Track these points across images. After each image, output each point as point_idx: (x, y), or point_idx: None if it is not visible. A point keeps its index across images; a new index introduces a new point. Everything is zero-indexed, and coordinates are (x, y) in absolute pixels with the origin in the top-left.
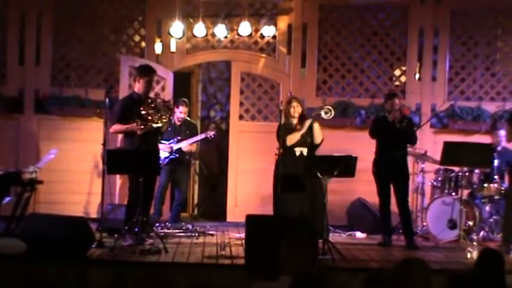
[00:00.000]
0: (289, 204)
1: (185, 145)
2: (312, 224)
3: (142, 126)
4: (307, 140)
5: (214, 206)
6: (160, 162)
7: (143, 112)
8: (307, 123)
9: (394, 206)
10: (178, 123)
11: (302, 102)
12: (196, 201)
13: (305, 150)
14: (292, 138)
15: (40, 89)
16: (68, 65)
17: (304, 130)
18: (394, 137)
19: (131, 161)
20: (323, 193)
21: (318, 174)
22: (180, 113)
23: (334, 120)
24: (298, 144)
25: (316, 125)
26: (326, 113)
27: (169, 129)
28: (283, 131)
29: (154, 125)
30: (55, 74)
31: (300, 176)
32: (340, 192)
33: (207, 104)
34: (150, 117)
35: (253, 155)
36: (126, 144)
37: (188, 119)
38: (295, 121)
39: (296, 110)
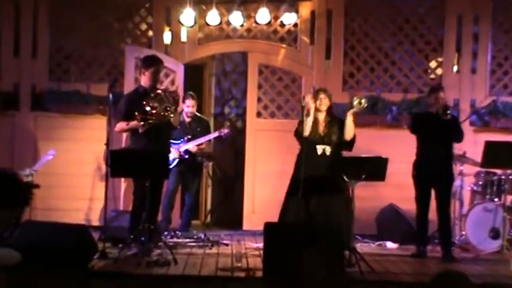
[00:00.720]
0: (294, 210)
1: (193, 146)
2: (338, 232)
3: (142, 123)
4: (332, 137)
5: (229, 213)
6: (170, 164)
7: (147, 107)
8: (349, 117)
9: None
10: (187, 119)
11: (331, 95)
12: (209, 207)
13: (328, 149)
14: (306, 126)
15: (37, 83)
16: (68, 57)
17: (322, 115)
18: (438, 132)
19: (137, 162)
20: (343, 199)
21: (344, 177)
22: (188, 107)
23: (362, 117)
24: (319, 141)
25: (349, 118)
26: (359, 103)
27: (178, 127)
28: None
29: (157, 119)
30: (53, 68)
31: (322, 179)
32: (368, 197)
33: (221, 99)
34: (154, 111)
35: (273, 156)
36: (131, 144)
37: (198, 114)
38: (321, 115)
39: (323, 102)
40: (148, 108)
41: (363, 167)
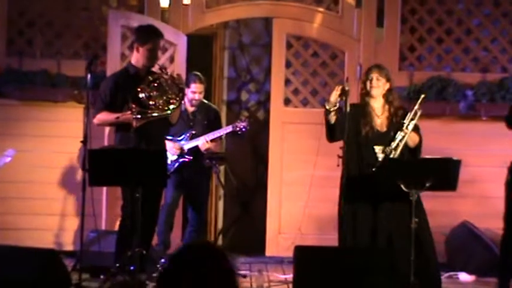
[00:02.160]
0: (358, 230)
1: (203, 142)
2: (398, 258)
3: (139, 116)
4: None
5: (247, 233)
6: (168, 168)
7: (142, 95)
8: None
9: None
10: (191, 109)
11: (389, 73)
12: (220, 226)
13: (387, 150)
14: (327, 119)
15: None
16: (31, 23)
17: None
18: None
19: (125, 166)
20: (409, 214)
21: (402, 186)
22: (193, 93)
23: (426, 105)
24: (379, 139)
25: (411, 126)
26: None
27: (178, 120)
28: (353, 117)
29: (158, 114)
30: (12, 38)
31: (379, 188)
32: (434, 213)
33: (237, 82)
34: (152, 102)
35: (305, 157)
36: (117, 142)
37: (206, 102)
38: (376, 103)
39: (377, 84)
40: (142, 96)
41: (427, 172)
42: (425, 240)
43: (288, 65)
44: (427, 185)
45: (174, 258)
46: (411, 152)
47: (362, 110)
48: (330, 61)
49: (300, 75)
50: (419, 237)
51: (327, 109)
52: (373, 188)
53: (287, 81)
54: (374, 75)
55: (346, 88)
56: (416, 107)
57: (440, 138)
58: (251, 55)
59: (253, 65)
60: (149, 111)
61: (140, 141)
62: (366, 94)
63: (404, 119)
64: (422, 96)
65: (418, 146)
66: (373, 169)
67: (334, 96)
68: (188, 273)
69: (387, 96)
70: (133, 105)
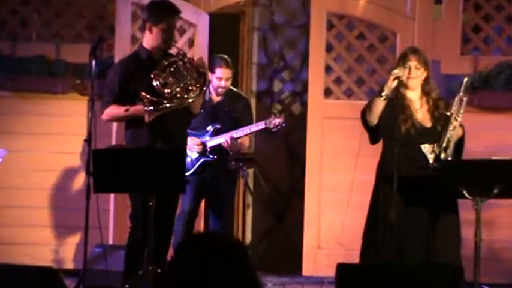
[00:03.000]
0: (405, 242)
1: (227, 140)
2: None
3: (152, 108)
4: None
5: (280, 249)
6: (187, 168)
7: (155, 82)
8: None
9: None
10: (217, 98)
11: (427, 60)
12: (249, 239)
13: (437, 149)
14: (373, 107)
15: None
16: (26, 1)
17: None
18: None
19: (136, 169)
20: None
21: (465, 193)
22: (219, 79)
23: (492, 96)
24: (424, 137)
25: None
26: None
27: (201, 110)
28: (388, 113)
29: (175, 104)
30: (4, 18)
31: (432, 199)
32: (501, 225)
33: (268, 69)
34: (167, 90)
35: (349, 159)
36: (128, 140)
37: (235, 90)
38: (413, 95)
39: (415, 74)
40: (156, 84)
41: (495, 176)
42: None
43: (329, 49)
44: (495, 191)
45: (173, 260)
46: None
47: (397, 102)
48: (378, 44)
49: (343, 61)
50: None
51: (381, 95)
52: (425, 195)
53: (328, 69)
54: (412, 63)
55: (400, 73)
56: (461, 93)
57: (508, 135)
58: (285, 37)
59: (287, 49)
60: (164, 102)
61: (155, 139)
62: (400, 85)
63: (447, 110)
64: (466, 79)
65: (462, 141)
66: (430, 171)
67: (392, 81)
68: (192, 277)
69: (424, 87)
70: (144, 95)
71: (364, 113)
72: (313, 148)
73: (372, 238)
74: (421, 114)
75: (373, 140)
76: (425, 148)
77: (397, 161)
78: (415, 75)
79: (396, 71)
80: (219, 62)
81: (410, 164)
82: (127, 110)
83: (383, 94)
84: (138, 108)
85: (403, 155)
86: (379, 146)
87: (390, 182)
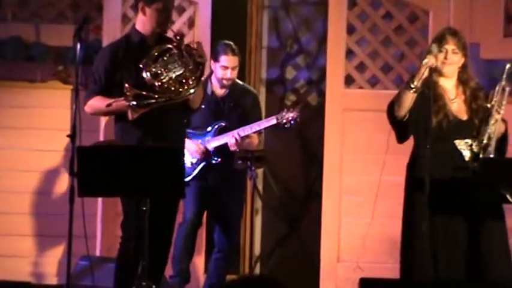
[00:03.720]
0: (441, 255)
1: (231, 139)
2: None
3: (134, 103)
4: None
5: (294, 261)
6: (186, 173)
7: (145, 74)
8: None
9: None
10: (221, 92)
11: (467, 44)
12: (258, 251)
13: (476, 146)
14: (403, 100)
15: None
16: None
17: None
18: None
19: (127, 169)
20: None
21: (509, 196)
22: (224, 68)
23: None
24: (457, 131)
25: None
26: None
27: (202, 106)
28: (419, 104)
29: (165, 100)
30: None
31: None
32: None
33: (280, 54)
34: (158, 83)
35: (374, 157)
36: (117, 137)
37: (241, 83)
38: (448, 83)
39: (452, 59)
40: (146, 76)
41: None
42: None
43: (351, 30)
44: None
45: None
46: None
47: (429, 93)
48: (408, 25)
49: (366, 45)
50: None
51: (411, 87)
52: (461, 199)
53: (349, 53)
54: (449, 47)
55: (432, 62)
56: (503, 81)
57: None
58: (299, 17)
59: (303, 30)
60: (152, 96)
61: (145, 137)
62: (433, 71)
63: (487, 102)
64: (508, 65)
65: (505, 138)
66: (470, 172)
67: (424, 72)
68: None
69: (461, 75)
70: (128, 87)
71: (392, 107)
72: (332, 145)
73: (410, 252)
74: (456, 105)
75: (401, 137)
76: (460, 144)
77: (430, 160)
78: (452, 61)
79: (427, 60)
80: (223, 49)
81: (445, 163)
82: (108, 104)
83: (413, 86)
84: (120, 103)
85: (435, 152)
86: (410, 142)
87: (422, 185)
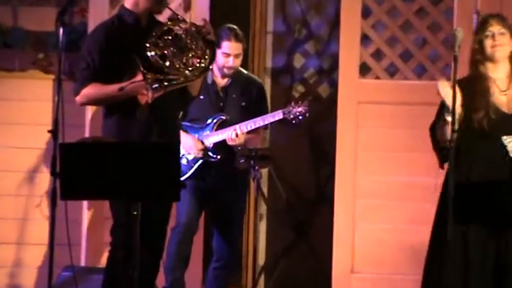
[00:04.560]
0: (475, 265)
1: (232, 135)
2: None
3: (157, 85)
4: None
5: (303, 271)
6: (182, 172)
7: (151, 53)
8: None
9: None
10: (223, 81)
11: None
12: (262, 259)
13: None
14: (444, 132)
15: None
16: None
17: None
18: None
19: (116, 169)
20: None
21: None
22: (226, 56)
23: None
24: (504, 126)
25: None
26: None
27: (201, 97)
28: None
29: (182, 81)
30: None
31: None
32: None
33: (287, 39)
34: (168, 63)
35: (392, 155)
36: (109, 132)
37: (246, 72)
38: (499, 73)
39: (502, 41)
40: (151, 55)
41: None
42: None
43: (366, 13)
44: None
45: None
46: None
47: (475, 85)
48: (430, 7)
49: (384, 30)
50: None
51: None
52: (503, 204)
53: (364, 39)
54: (495, 29)
55: (456, 49)
56: None
57: None
58: None
59: (312, 13)
60: (171, 78)
61: (150, 131)
62: (480, 61)
63: None
64: None
65: None
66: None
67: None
68: None
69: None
70: (143, 71)
71: (434, 130)
72: (345, 141)
73: (438, 263)
74: (506, 98)
75: (445, 162)
76: (508, 140)
77: (473, 159)
78: (501, 42)
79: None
80: (226, 34)
81: (488, 161)
82: (121, 88)
83: (448, 118)
84: (137, 85)
85: (477, 148)
86: None
87: (464, 190)
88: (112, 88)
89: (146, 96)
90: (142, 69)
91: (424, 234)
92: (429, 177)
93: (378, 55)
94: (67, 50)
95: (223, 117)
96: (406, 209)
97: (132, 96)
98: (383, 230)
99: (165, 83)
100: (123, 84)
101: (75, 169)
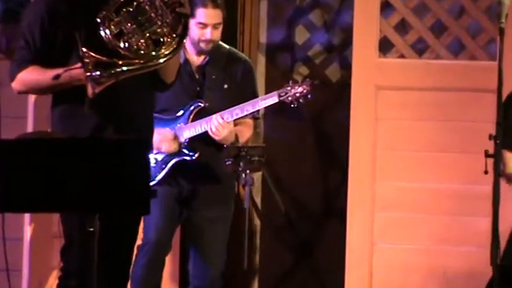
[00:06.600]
0: None
1: (216, 125)
2: None
3: (98, 73)
4: None
5: None
6: (151, 175)
7: (105, 31)
8: None
9: None
10: (199, 59)
11: None
12: (255, 287)
13: None
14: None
15: None
16: None
17: None
18: None
19: (67, 173)
20: None
21: None
22: (201, 26)
23: None
24: None
25: None
26: None
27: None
28: None
29: (137, 67)
30: None
31: None
32: None
33: (286, 9)
34: (124, 45)
35: (421, 155)
36: (56, 126)
37: (227, 47)
38: None
39: None
40: (106, 34)
41: None
42: None
43: None
44: None
45: None
46: None
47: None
48: None
49: None
50: None
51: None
52: None
53: (386, 7)
54: None
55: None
56: None
57: None
58: None
59: None
60: (119, 63)
61: (103, 125)
62: None
63: None
64: None
65: None
66: None
67: None
68: None
69: None
70: (87, 52)
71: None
72: (360, 138)
73: None
74: None
75: None
76: None
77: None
78: None
79: None
80: (201, 0)
81: None
82: (57, 76)
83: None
84: (75, 72)
85: None
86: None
87: None
88: (48, 75)
89: (90, 87)
90: (83, 50)
91: (458, 257)
92: (466, 184)
93: (402, 28)
94: (4, 21)
95: (201, 105)
96: (437, 225)
97: (75, 83)
98: (408, 251)
99: (112, 71)
100: (59, 71)
101: (14, 173)
